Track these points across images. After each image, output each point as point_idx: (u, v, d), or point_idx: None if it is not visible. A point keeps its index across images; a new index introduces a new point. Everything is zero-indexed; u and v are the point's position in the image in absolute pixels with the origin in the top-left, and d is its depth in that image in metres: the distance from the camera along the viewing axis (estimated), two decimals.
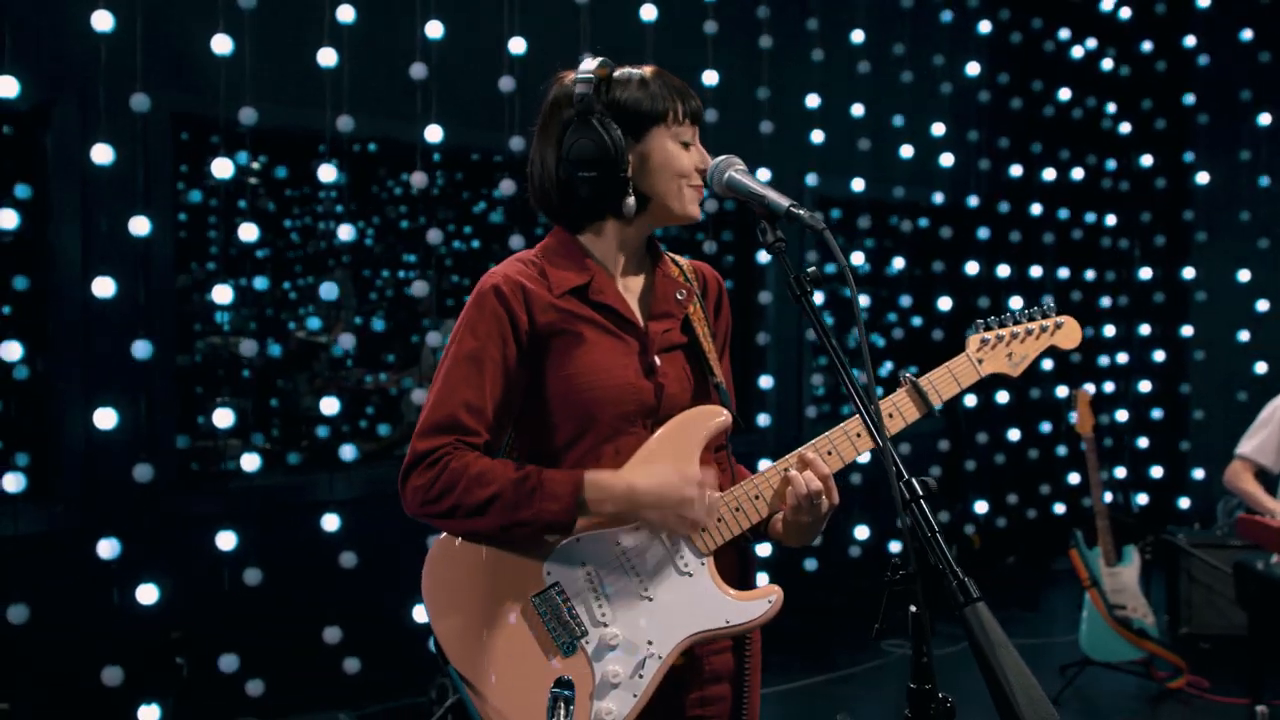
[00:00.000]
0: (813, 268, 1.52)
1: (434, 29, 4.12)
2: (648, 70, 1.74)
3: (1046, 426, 6.24)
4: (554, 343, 1.70)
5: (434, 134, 4.10)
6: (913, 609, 1.34)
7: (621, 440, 1.70)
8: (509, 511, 1.63)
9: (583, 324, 1.71)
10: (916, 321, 6.03)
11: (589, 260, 1.76)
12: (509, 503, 1.63)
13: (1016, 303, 6.17)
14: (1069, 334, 1.83)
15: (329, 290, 4.01)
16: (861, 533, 5.39)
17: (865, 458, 1.66)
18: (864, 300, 5.84)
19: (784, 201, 1.54)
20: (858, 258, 5.71)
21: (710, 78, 4.71)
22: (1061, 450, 6.31)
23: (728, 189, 1.65)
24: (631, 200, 1.70)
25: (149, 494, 3.68)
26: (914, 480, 1.37)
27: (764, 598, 1.67)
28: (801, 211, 1.50)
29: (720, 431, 1.72)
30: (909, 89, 5.63)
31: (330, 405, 4.01)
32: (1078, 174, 6.45)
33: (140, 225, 3.66)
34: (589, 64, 1.72)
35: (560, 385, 1.69)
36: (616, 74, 1.72)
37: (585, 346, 1.69)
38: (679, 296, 1.79)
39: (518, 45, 4.21)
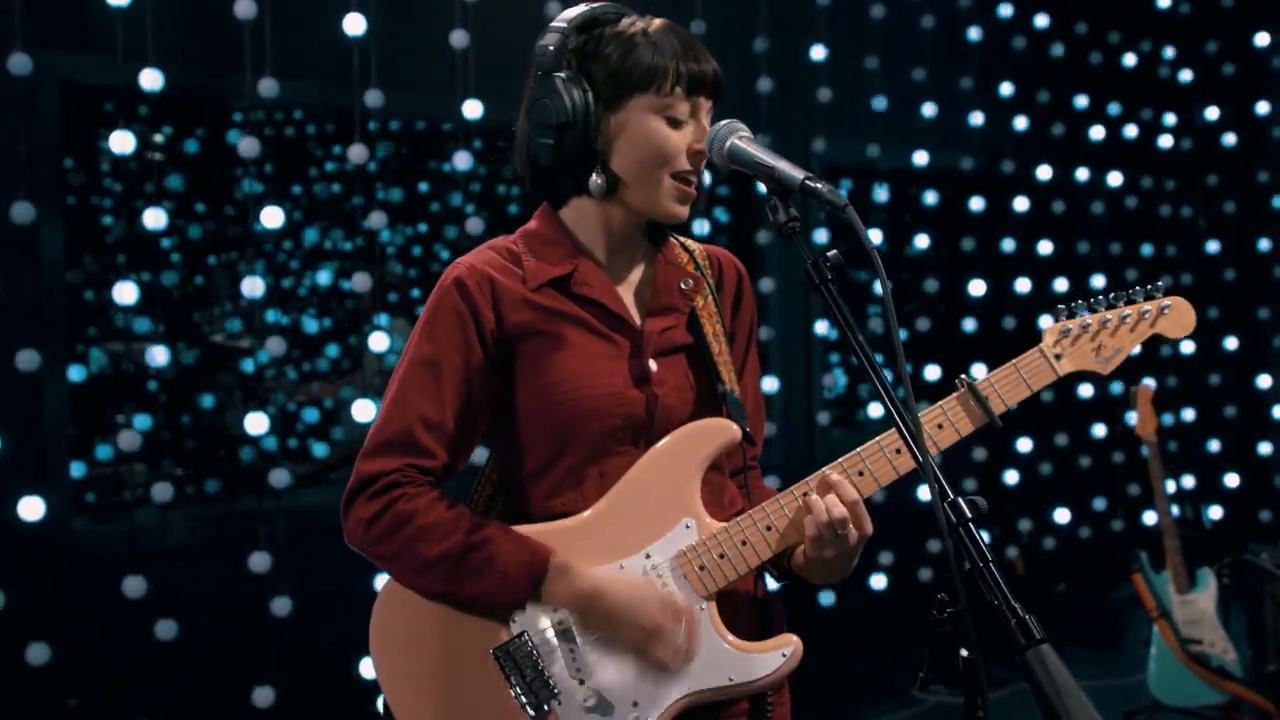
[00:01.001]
0: (833, 252, 1.52)
1: None
2: (655, 23, 1.72)
3: (1101, 429, 6.28)
4: (527, 346, 1.70)
5: (374, 99, 4.07)
6: (964, 653, 1.34)
7: (608, 462, 1.70)
8: (452, 581, 1.65)
9: (563, 323, 1.71)
10: (943, 309, 6.05)
11: (574, 246, 1.75)
12: (453, 571, 1.64)
13: (1062, 285, 6.18)
14: (1178, 319, 1.78)
15: (252, 286, 3.98)
16: (885, 558, 5.39)
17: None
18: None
19: (798, 174, 1.54)
20: (875, 235, 5.71)
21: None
22: (1119, 457, 6.34)
23: (730, 159, 1.64)
24: (598, 179, 1.69)
25: (38, 532, 3.63)
26: (961, 500, 1.36)
27: (778, 649, 1.65)
28: (819, 185, 1.50)
29: (725, 450, 1.71)
30: (930, 36, 5.66)
31: (256, 423, 3.98)
32: (1131, 131, 6.48)
33: (23, 212, 3.62)
34: (574, 10, 1.72)
35: (534, 397, 1.69)
36: (610, 26, 1.71)
37: (565, 350, 1.69)
38: (684, 287, 1.78)
39: None
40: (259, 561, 3.92)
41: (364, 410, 4.13)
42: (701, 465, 1.69)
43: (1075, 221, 6.24)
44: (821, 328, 5.61)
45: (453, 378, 1.68)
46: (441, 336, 1.69)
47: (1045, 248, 6.07)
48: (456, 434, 1.69)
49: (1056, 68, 6.17)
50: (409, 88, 4.33)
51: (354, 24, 4.02)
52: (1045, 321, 1.74)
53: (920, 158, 5.67)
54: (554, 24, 1.71)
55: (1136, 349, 1.77)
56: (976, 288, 5.76)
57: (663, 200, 1.71)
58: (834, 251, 1.52)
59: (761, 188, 1.64)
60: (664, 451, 1.70)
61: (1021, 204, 5.97)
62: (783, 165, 1.56)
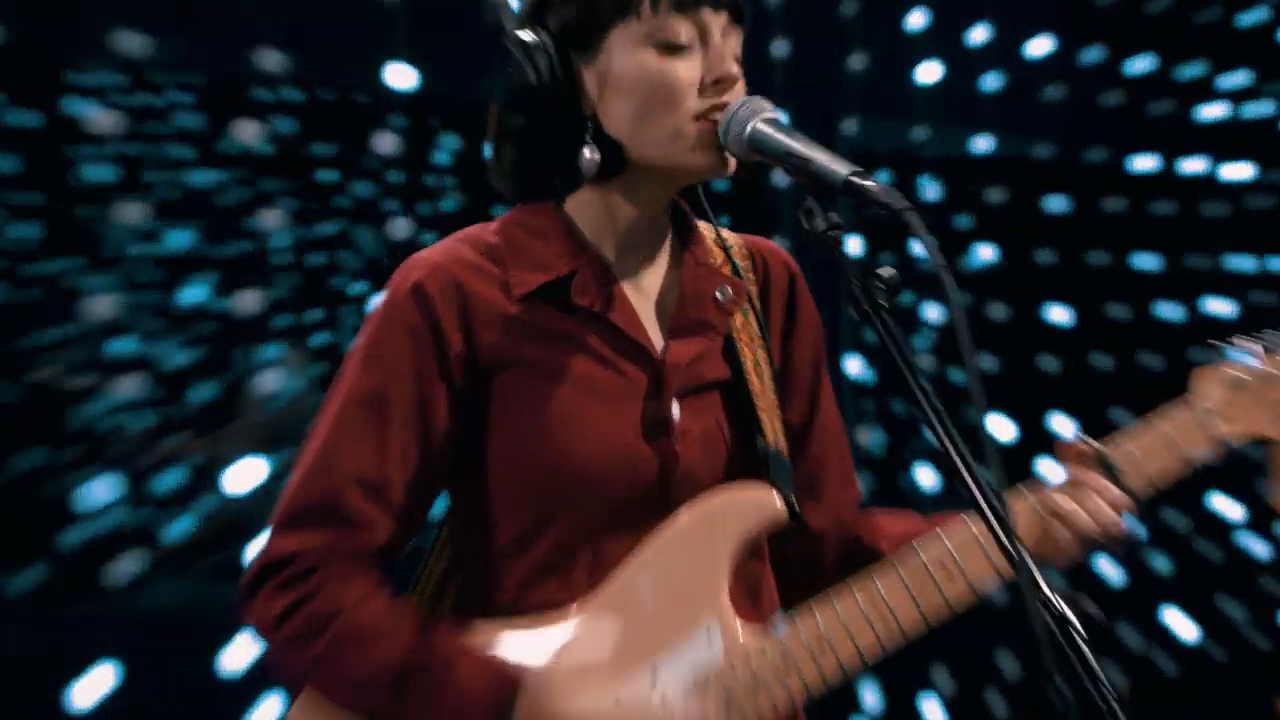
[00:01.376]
0: (888, 270, 1.55)
1: None
2: None
3: (1229, 506, 6.26)
4: (506, 378, 1.71)
5: (270, 61, 4.06)
6: None
7: (606, 541, 1.71)
8: (388, 709, 1.64)
9: (557, 347, 1.72)
10: (1014, 342, 6.04)
11: (574, 242, 1.76)
12: (390, 696, 1.63)
13: (1169, 310, 6.18)
14: None
15: (97, 305, 3.97)
16: (939, 676, 5.37)
17: None
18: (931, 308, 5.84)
19: (842, 169, 1.56)
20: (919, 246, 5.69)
21: None
22: (1259, 547, 6.30)
23: (751, 148, 1.66)
24: (590, 153, 1.71)
25: None
26: (1066, 606, 1.37)
27: None
28: (869, 184, 1.53)
29: (765, 532, 1.73)
30: None
31: (96, 491, 3.95)
32: (1263, 109, 6.48)
33: None
34: None
35: (512, 448, 1.70)
36: None
37: (558, 385, 1.70)
38: (719, 297, 1.79)
39: None
40: (98, 681, 3.86)
41: (247, 472, 4.09)
42: (733, 550, 1.71)
43: (1187, 227, 6.26)
44: (854, 366, 5.61)
45: (403, 419, 1.69)
46: (389, 362, 1.70)
47: (1146, 261, 6.10)
48: (406, 498, 1.70)
49: (1157, 26, 6.20)
50: (315, 46, 4.32)
51: None
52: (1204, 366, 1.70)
53: (981, 143, 5.73)
54: None
55: None
56: (1058, 314, 5.77)
57: (686, 153, 1.71)
58: (889, 269, 1.55)
59: (778, 177, 1.64)
60: (683, 529, 1.70)
61: (1113, 204, 6.00)
62: (821, 157, 1.59)
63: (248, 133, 4.03)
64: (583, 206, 1.78)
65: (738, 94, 1.73)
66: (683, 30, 1.70)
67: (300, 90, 4.66)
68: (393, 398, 1.68)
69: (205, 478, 5.74)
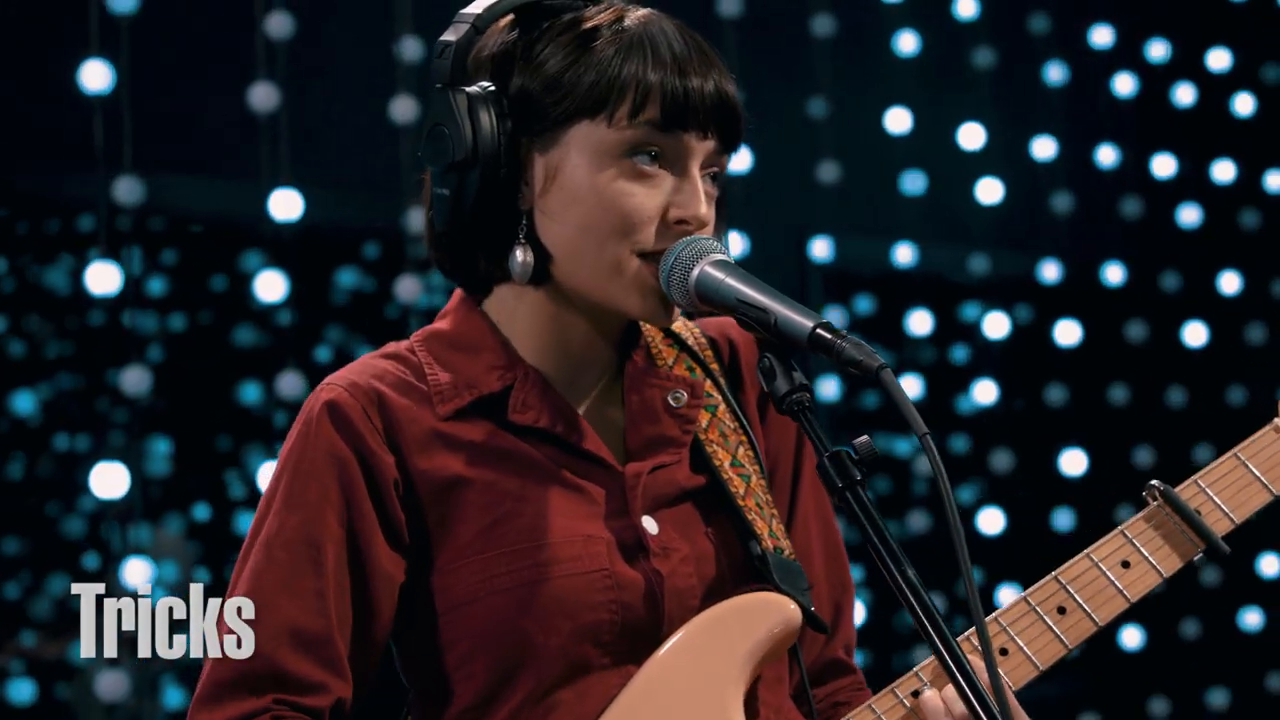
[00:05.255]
0: (863, 439, 1.52)
1: None
2: (637, 14, 1.68)
3: None
4: (445, 505, 1.68)
5: None
6: None
7: (588, 681, 1.66)
8: None
9: (500, 466, 1.69)
10: (1026, 501, 5.86)
11: (504, 352, 1.73)
12: None
13: (1206, 454, 5.88)
14: None
15: None
16: None
17: None
18: (925, 465, 5.57)
19: (806, 321, 1.54)
20: (913, 386, 5.60)
21: None
22: None
23: (698, 296, 1.62)
24: (521, 255, 1.67)
25: None
26: None
27: None
28: (838, 339, 1.51)
29: (781, 642, 1.68)
30: (990, 80, 5.60)
31: None
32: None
33: None
34: None
35: (463, 586, 1.67)
36: (559, 18, 1.67)
37: (510, 508, 1.68)
38: (673, 403, 1.75)
39: None
40: None
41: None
42: (744, 671, 1.66)
43: (1233, 357, 6.17)
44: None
45: (337, 560, 1.65)
46: (312, 496, 1.66)
47: (1176, 396, 5.98)
48: (351, 649, 1.66)
49: (1187, 120, 6.12)
50: None
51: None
52: None
53: (977, 262, 5.61)
54: (464, 11, 1.68)
55: None
56: (1072, 462, 5.65)
57: (621, 292, 1.67)
58: (864, 439, 1.52)
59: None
60: (680, 652, 1.66)
61: (1137, 331, 5.83)
62: (781, 307, 1.55)
63: None
64: (515, 306, 1.73)
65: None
66: (658, 150, 1.66)
67: None
68: (323, 537, 1.65)
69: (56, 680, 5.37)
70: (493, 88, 1.66)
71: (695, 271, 1.61)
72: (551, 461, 1.70)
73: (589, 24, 1.66)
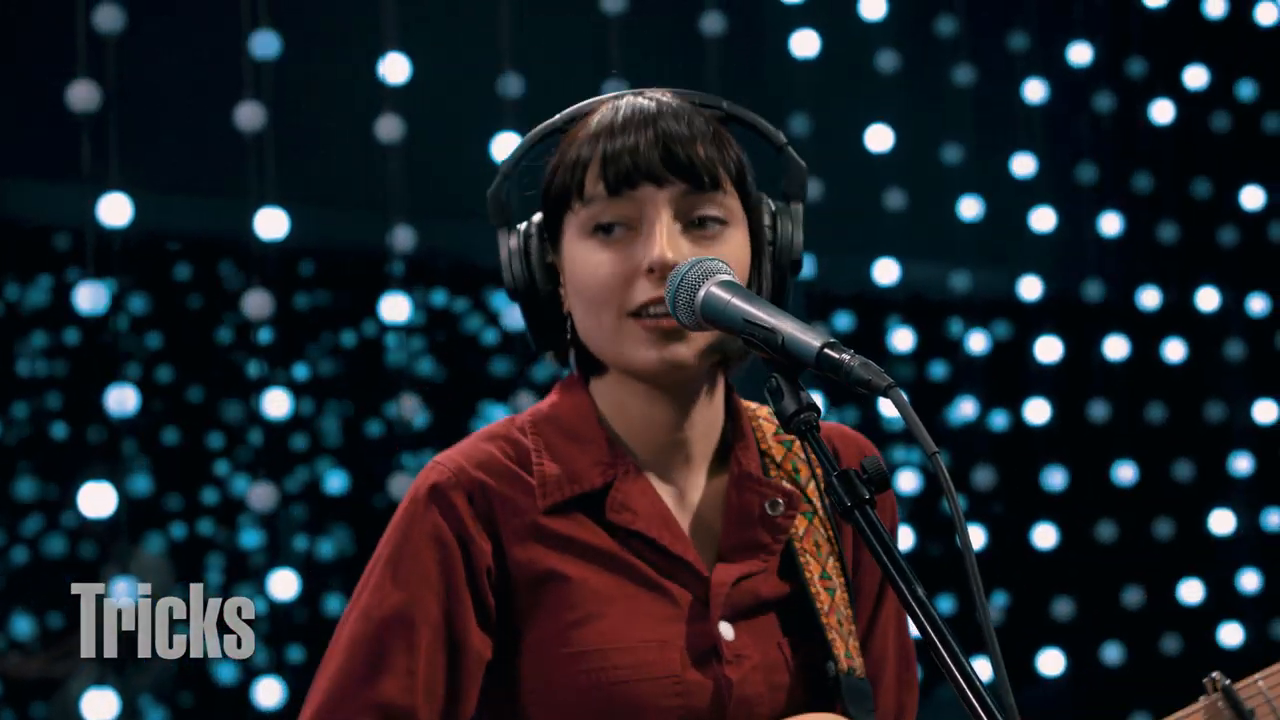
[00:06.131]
0: (870, 457, 1.56)
1: None
2: (622, 100, 1.75)
3: None
4: (538, 596, 1.72)
5: None
6: None
7: None
8: None
9: (594, 564, 1.73)
10: (998, 514, 5.92)
11: (610, 445, 1.77)
12: None
13: (1185, 470, 5.91)
14: None
15: None
16: None
17: None
18: (909, 480, 5.59)
19: (814, 340, 1.55)
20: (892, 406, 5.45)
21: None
22: None
23: (705, 317, 1.64)
24: (574, 351, 1.79)
25: None
26: None
27: None
28: (846, 357, 1.53)
29: None
30: (970, 97, 5.65)
31: None
32: None
33: None
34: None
35: (545, 675, 1.71)
36: (566, 132, 1.77)
37: (596, 605, 1.71)
38: (770, 511, 1.77)
39: None
40: None
41: None
42: None
43: (1215, 374, 6.19)
44: None
45: (430, 641, 1.69)
46: (415, 576, 1.70)
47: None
48: None
49: (1168, 137, 6.10)
50: None
51: None
52: None
53: (958, 280, 5.60)
54: (505, 159, 1.81)
55: None
56: (1055, 479, 5.62)
57: (627, 353, 1.71)
58: (873, 457, 1.55)
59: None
60: None
61: (1119, 348, 5.83)
62: (788, 326, 1.56)
63: None
64: (608, 397, 1.79)
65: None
66: (613, 213, 1.71)
67: None
68: (418, 616, 1.70)
69: None
70: (532, 220, 1.78)
71: (701, 292, 1.62)
72: (642, 561, 1.74)
73: (577, 127, 1.76)
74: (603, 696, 1.68)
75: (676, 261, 1.68)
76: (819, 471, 1.75)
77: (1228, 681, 1.73)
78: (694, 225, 1.71)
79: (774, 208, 1.82)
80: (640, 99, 1.74)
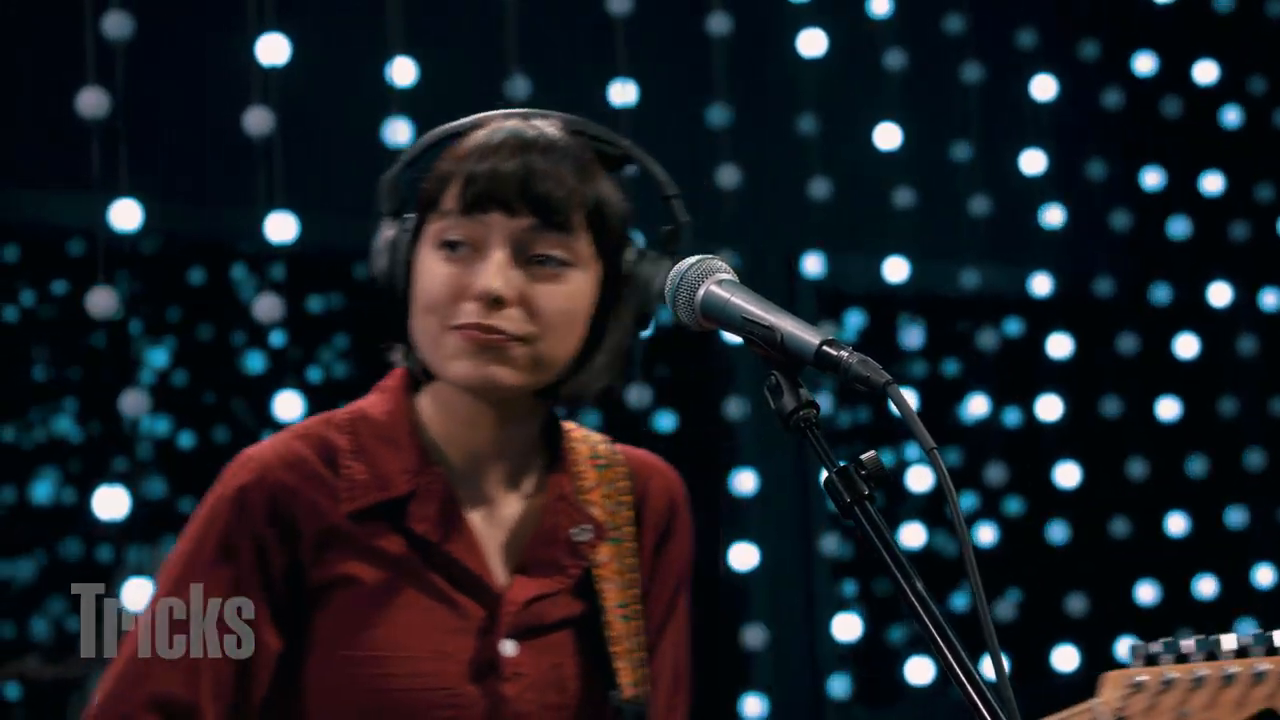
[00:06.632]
0: (869, 454, 1.56)
1: None
2: (506, 122, 1.79)
3: None
4: (331, 601, 1.74)
5: None
6: None
7: None
8: None
9: (387, 571, 1.75)
10: (1012, 511, 5.85)
11: (422, 451, 1.80)
12: None
13: (1199, 466, 5.90)
14: None
15: None
16: None
17: None
18: (923, 477, 5.62)
19: (812, 337, 1.56)
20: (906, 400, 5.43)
21: (624, 93, 4.73)
22: None
23: (704, 315, 1.64)
24: (399, 352, 1.84)
25: None
26: None
27: None
28: (844, 354, 1.54)
29: None
30: (979, 94, 5.62)
31: None
32: None
33: None
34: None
35: (329, 681, 1.73)
36: (458, 140, 1.81)
37: (384, 613, 1.74)
38: (577, 538, 1.80)
39: None
40: None
41: None
42: None
43: (1229, 371, 6.12)
44: (830, 544, 5.48)
45: (218, 636, 1.72)
46: (209, 573, 1.74)
47: (1169, 409, 5.96)
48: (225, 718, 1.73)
49: (1177, 130, 6.10)
50: None
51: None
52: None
53: (968, 277, 5.60)
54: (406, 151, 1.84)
55: None
56: (1066, 474, 5.59)
57: (443, 361, 1.76)
58: (871, 453, 1.55)
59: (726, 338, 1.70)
60: None
61: (1128, 343, 5.80)
62: (787, 324, 1.57)
63: None
64: (434, 403, 1.83)
65: (508, 318, 1.75)
66: (462, 232, 1.76)
67: None
68: (208, 611, 1.72)
69: None
70: (409, 215, 1.81)
71: (701, 291, 1.63)
72: (437, 572, 1.77)
73: (462, 139, 1.80)
74: (378, 703, 1.72)
75: (503, 294, 1.72)
76: (628, 499, 1.87)
77: None
78: (534, 261, 1.75)
79: (634, 256, 1.82)
80: (524, 125, 1.78)
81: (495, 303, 1.72)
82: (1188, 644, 1.73)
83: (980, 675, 1.47)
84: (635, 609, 1.83)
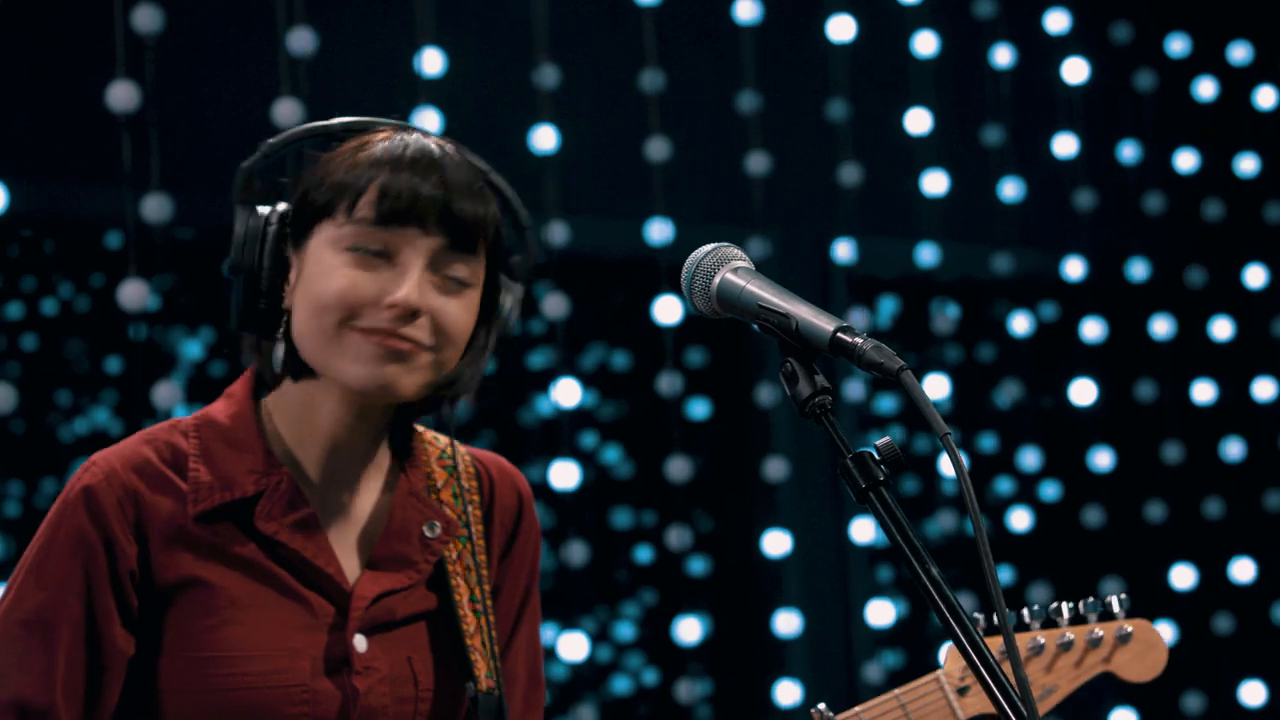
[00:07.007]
0: (885, 440, 1.56)
1: None
2: (409, 136, 1.82)
3: None
4: (182, 600, 1.75)
5: None
6: None
7: None
8: None
9: (237, 572, 1.77)
10: (1048, 496, 5.83)
11: (267, 454, 1.80)
12: None
13: (1235, 449, 5.88)
14: (1142, 655, 1.87)
15: None
16: None
17: None
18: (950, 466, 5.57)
19: (827, 324, 1.56)
20: (938, 386, 5.54)
21: (653, 81, 4.73)
22: None
23: (721, 302, 1.65)
24: (279, 351, 1.81)
25: None
26: None
27: None
28: (860, 340, 1.54)
29: None
30: (1010, 78, 5.63)
31: None
32: None
33: None
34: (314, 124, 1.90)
35: (181, 681, 1.74)
36: (347, 141, 1.84)
37: (234, 612, 1.76)
38: (427, 534, 1.83)
39: None
40: None
41: None
42: None
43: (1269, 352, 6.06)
44: (864, 530, 5.44)
45: (71, 641, 1.72)
46: (58, 578, 1.73)
47: (1205, 392, 5.92)
48: None
49: (1210, 112, 6.07)
50: None
51: None
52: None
53: (1000, 262, 5.58)
54: (267, 142, 1.87)
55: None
56: (1100, 460, 5.54)
57: (339, 362, 1.76)
58: (886, 439, 1.55)
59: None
60: None
61: (1164, 327, 5.79)
62: (802, 311, 1.57)
63: None
64: (287, 405, 1.84)
65: (419, 328, 1.78)
66: (378, 242, 1.78)
67: None
68: (58, 617, 1.72)
69: None
70: (276, 207, 1.83)
71: (717, 279, 1.63)
72: (287, 570, 1.79)
73: (358, 144, 1.82)
74: (230, 701, 1.73)
75: (419, 307, 1.76)
76: (475, 498, 1.90)
77: (831, 714, 1.80)
78: (442, 277, 1.80)
79: (501, 282, 1.87)
80: (426, 141, 1.82)
81: (412, 314, 1.75)
82: (1024, 612, 1.83)
83: (994, 658, 1.49)
84: (488, 604, 1.85)
